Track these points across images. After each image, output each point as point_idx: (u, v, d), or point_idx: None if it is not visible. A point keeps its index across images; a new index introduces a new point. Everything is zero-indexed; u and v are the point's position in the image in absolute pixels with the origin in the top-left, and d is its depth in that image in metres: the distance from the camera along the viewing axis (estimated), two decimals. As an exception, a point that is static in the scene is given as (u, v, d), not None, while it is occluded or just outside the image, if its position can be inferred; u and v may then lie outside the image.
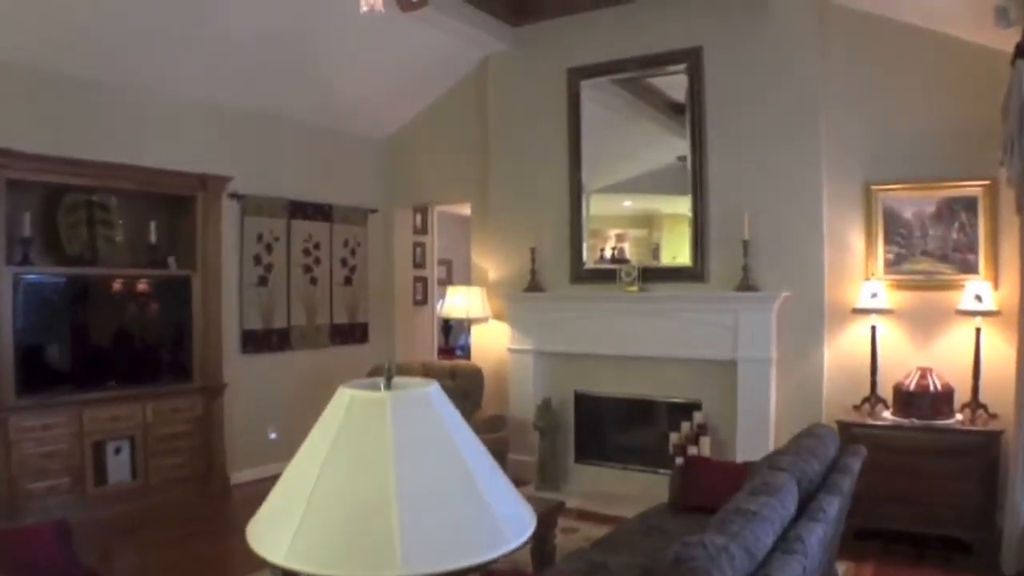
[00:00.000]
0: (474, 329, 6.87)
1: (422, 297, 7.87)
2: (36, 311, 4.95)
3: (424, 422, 1.18)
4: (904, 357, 4.94)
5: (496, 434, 5.82)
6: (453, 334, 10.19)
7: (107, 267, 5.33)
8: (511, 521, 1.20)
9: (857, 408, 4.97)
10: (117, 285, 5.42)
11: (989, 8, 3.94)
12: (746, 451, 5.09)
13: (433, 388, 1.25)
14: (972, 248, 4.82)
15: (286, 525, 1.14)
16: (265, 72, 5.88)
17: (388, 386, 1.20)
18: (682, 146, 5.70)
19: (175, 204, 5.76)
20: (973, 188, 4.80)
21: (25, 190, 4.85)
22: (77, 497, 5.01)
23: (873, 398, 4.93)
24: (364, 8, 3.70)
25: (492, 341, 6.64)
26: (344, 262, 7.09)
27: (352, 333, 7.16)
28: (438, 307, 7.25)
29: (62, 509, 4.72)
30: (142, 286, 5.55)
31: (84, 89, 5.22)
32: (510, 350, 6.32)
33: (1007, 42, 3.94)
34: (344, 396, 1.17)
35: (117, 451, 5.29)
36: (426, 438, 1.16)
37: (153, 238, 5.56)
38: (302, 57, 5.90)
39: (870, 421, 4.74)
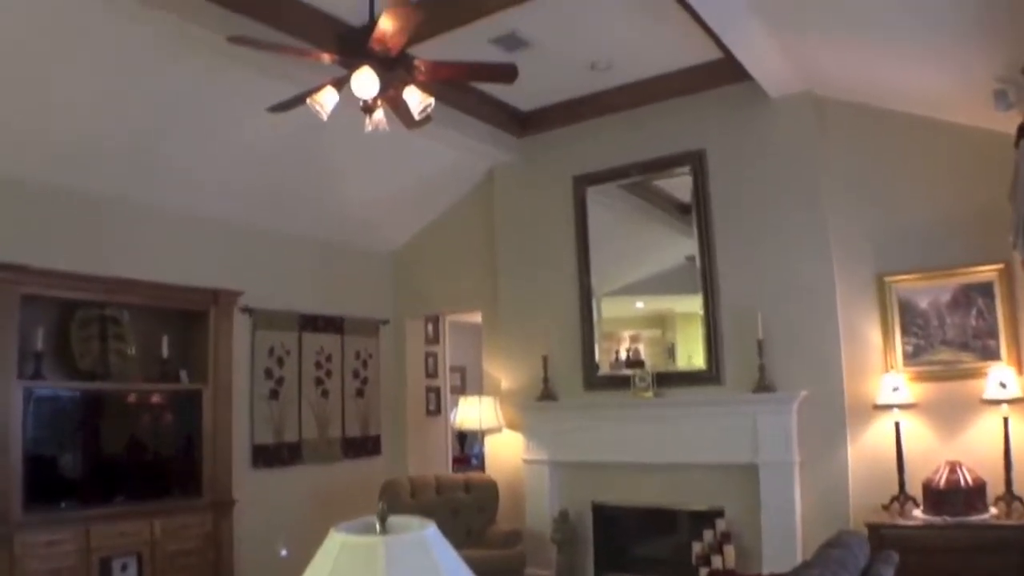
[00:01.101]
0: (488, 439, 6.74)
1: (435, 407, 7.78)
2: (46, 425, 4.91)
3: (420, 569, 1.10)
4: (931, 451, 4.79)
5: (512, 549, 5.63)
6: (468, 441, 10.03)
7: (119, 381, 5.30)
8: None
9: (886, 508, 4.79)
10: (129, 398, 5.39)
11: (987, 92, 3.97)
12: (773, 558, 4.92)
13: (430, 531, 1.17)
14: (992, 334, 4.75)
15: None
16: (274, 187, 6.00)
17: (383, 528, 1.13)
18: (691, 245, 5.72)
19: (187, 318, 5.77)
20: (988, 273, 4.77)
21: (38, 305, 4.88)
22: (81, 615, 4.84)
23: (902, 496, 4.76)
24: (369, 127, 3.80)
25: (506, 451, 6.51)
26: (356, 374, 7.05)
27: (364, 446, 7.05)
28: (451, 417, 7.16)
29: (65, 628, 4.57)
30: (154, 399, 5.52)
31: (97, 205, 5.31)
32: (525, 461, 6.19)
33: (1009, 124, 3.96)
34: (335, 542, 1.10)
35: (124, 568, 5.12)
36: (422, 587, 1.08)
37: (165, 352, 5.54)
38: (310, 173, 6.02)
39: (900, 521, 4.57)
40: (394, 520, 1.18)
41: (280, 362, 6.39)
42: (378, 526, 1.16)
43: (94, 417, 5.24)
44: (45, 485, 4.85)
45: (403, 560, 1.10)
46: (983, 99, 4.11)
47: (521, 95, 5.98)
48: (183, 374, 5.68)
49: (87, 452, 5.20)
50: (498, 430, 6.48)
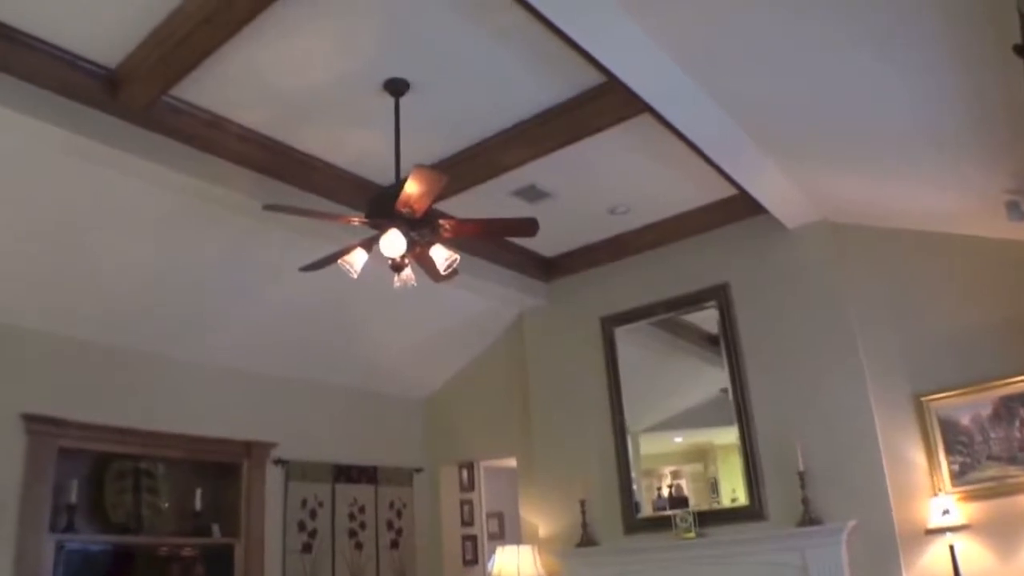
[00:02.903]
0: (527, 591, 6.47)
1: (472, 556, 7.53)
2: (76, 576, 4.84)
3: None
4: (990, 573, 4.53)
5: None
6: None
7: (151, 535, 5.26)
8: None
9: (953, 640, 4.48)
10: (160, 551, 5.31)
11: (999, 204, 4.05)
12: None
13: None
14: (1039, 444, 4.61)
15: None
16: (306, 339, 6.12)
17: None
18: (723, 377, 5.69)
19: (220, 470, 5.79)
20: (1026, 382, 4.68)
21: (74, 457, 4.93)
22: None
23: (967, 626, 4.46)
24: (398, 283, 3.94)
25: (548, 602, 6.23)
26: (390, 524, 6.91)
27: (400, 601, 6.80)
28: (489, 566, 6.93)
29: None
30: (185, 552, 5.43)
31: (135, 360, 5.42)
32: (567, 611, 5.91)
33: (1026, 233, 4.02)
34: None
35: None
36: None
37: (198, 505, 5.53)
38: (341, 324, 6.15)
39: (969, 654, 4.26)
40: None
41: (313, 514, 6.30)
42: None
43: (124, 570, 5.15)
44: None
45: None
46: (996, 211, 4.19)
47: (545, 242, 6.18)
48: (215, 528, 5.64)
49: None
50: (538, 581, 6.24)
